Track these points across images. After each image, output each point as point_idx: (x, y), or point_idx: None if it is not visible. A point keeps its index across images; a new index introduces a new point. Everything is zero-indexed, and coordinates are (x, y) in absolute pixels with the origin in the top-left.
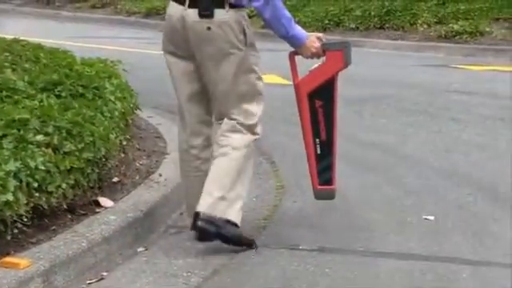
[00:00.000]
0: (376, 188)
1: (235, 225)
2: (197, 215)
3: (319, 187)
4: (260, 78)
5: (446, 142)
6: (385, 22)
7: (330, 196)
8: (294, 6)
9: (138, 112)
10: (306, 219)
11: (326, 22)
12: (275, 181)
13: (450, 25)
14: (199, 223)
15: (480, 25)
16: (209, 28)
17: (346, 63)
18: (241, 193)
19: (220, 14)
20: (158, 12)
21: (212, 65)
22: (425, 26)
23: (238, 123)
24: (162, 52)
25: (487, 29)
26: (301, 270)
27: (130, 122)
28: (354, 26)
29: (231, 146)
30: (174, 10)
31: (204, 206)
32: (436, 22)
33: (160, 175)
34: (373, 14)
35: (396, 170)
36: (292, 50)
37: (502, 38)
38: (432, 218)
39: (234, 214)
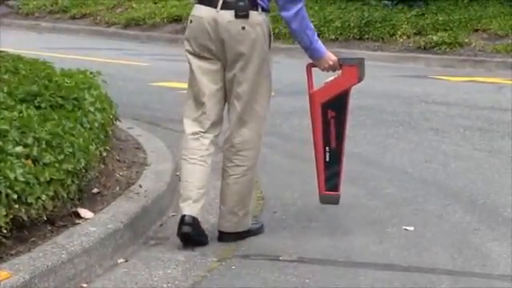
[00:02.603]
0: (356, 198)
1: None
2: (222, 234)
3: (326, 192)
4: (271, 82)
5: (426, 152)
6: (364, 33)
7: (335, 201)
8: (274, 17)
9: (117, 123)
10: (286, 230)
11: None
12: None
13: (429, 36)
14: (225, 241)
15: (459, 36)
16: (243, 28)
17: (360, 78)
18: (252, 201)
19: (254, 15)
20: (137, 23)
21: (240, 65)
22: (404, 37)
23: (255, 136)
24: (185, 52)
25: (466, 40)
26: (281, 281)
27: (110, 133)
28: (333, 37)
29: (247, 166)
30: (204, 12)
31: (230, 227)
32: (415, 33)
33: (140, 186)
34: (352, 25)
35: (376, 181)
36: (309, 61)
37: (481, 49)
38: (411, 228)
39: (250, 221)
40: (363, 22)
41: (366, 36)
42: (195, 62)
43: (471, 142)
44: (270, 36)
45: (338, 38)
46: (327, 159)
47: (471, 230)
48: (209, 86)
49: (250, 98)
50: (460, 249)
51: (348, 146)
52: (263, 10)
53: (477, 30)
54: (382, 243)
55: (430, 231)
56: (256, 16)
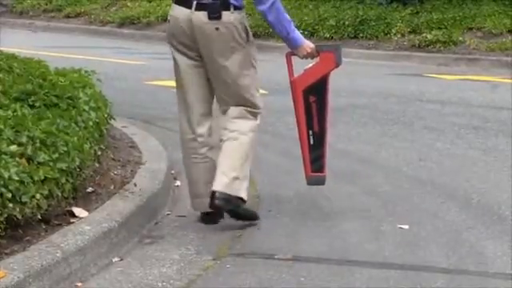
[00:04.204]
0: (350, 197)
1: (244, 201)
2: (213, 194)
3: (312, 174)
4: (257, 72)
5: (420, 150)
6: (359, 31)
7: (321, 182)
8: None
9: (112, 122)
10: (281, 228)
11: (301, 31)
12: (250, 190)
13: (424, 34)
14: (217, 202)
15: (453, 34)
16: (217, 28)
17: (337, 63)
18: (247, 173)
19: (226, 15)
20: (132, 21)
21: (221, 60)
22: (398, 36)
23: (244, 110)
24: (170, 49)
25: (460, 38)
26: (276, 279)
27: (105, 131)
28: (328, 36)
29: (239, 131)
30: (180, 12)
31: (220, 185)
32: (410, 32)
33: (135, 185)
34: (347, 23)
35: (370, 179)
36: (289, 50)
37: (475, 48)
38: (406, 226)
39: (244, 192)
40: (358, 20)
41: (361, 34)
42: (181, 59)
43: (466, 140)
44: (246, 30)
45: (332, 37)
46: (311, 142)
47: (466, 228)
48: (194, 81)
49: (236, 89)
50: (455, 247)
51: (342, 144)
52: (235, 8)
53: (471, 29)
54: (376, 241)
55: (424, 229)
56: (228, 16)
